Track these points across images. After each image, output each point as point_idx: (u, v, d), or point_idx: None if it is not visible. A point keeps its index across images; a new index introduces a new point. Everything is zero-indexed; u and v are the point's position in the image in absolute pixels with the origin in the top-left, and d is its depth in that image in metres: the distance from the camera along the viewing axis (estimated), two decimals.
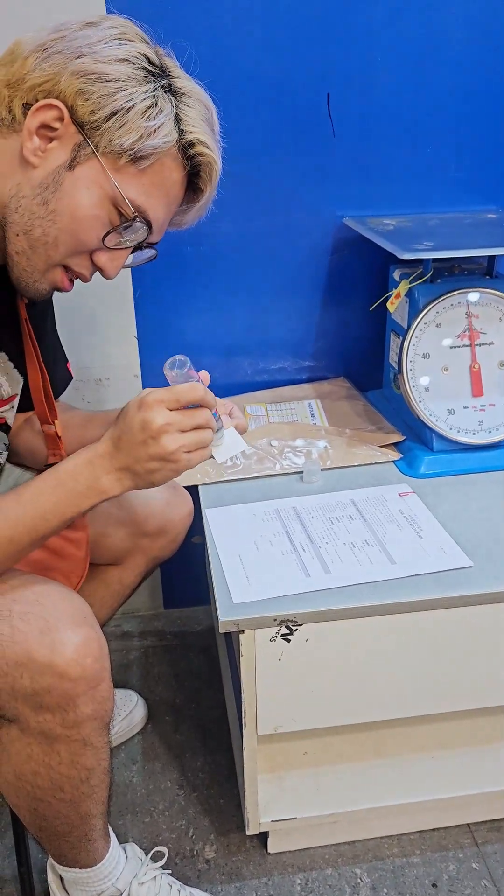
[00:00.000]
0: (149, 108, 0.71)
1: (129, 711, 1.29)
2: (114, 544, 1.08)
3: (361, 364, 1.40)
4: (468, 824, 1.13)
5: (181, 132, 0.74)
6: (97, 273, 0.80)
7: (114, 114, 0.70)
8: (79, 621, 0.75)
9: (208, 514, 1.05)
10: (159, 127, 0.72)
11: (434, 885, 1.05)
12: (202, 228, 1.23)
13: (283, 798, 1.04)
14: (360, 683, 0.94)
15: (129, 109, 0.71)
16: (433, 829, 1.12)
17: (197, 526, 1.09)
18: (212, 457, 0.81)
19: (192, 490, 1.13)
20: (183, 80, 0.76)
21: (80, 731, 0.77)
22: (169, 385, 0.77)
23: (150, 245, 0.81)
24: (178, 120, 0.74)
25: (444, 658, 0.93)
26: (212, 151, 0.77)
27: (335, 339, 1.38)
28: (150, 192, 0.75)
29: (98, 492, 0.74)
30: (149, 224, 0.76)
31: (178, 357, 0.76)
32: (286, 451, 1.16)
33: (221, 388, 1.38)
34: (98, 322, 1.29)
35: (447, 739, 1.10)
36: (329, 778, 1.06)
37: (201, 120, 0.76)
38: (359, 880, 1.06)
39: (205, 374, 0.79)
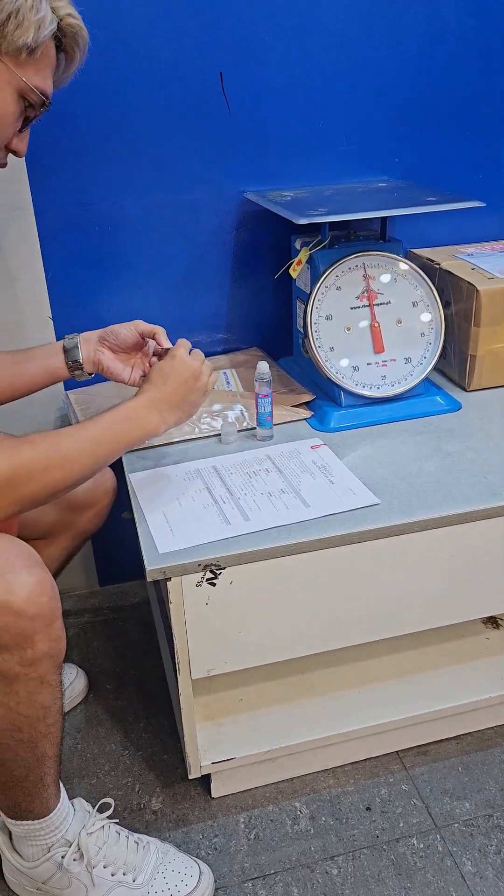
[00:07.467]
0: (32, 1, 0.80)
1: (70, 683, 1.32)
2: (41, 519, 1.11)
3: (273, 333, 1.46)
4: (397, 752, 1.21)
5: (54, 12, 0.83)
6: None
7: (9, 17, 0.79)
8: (31, 563, 0.79)
9: (132, 479, 1.09)
10: (44, 16, 0.81)
11: (368, 809, 1.12)
12: (109, 209, 1.29)
13: (221, 741, 1.09)
14: (284, 621, 1.00)
15: (19, 9, 0.79)
16: (365, 759, 1.19)
17: (125, 502, 1.12)
18: None
19: (116, 462, 1.16)
20: None
21: (37, 668, 0.80)
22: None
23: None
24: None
25: (359, 591, 1.01)
26: (78, 20, 0.88)
27: (247, 311, 1.44)
28: (45, 74, 0.86)
29: (149, 430, 0.94)
30: (49, 100, 0.88)
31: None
32: (203, 416, 1.22)
33: None
34: (10, 303, 1.31)
35: (370, 673, 1.18)
36: (264, 719, 1.12)
37: None
38: (298, 812, 1.12)
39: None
